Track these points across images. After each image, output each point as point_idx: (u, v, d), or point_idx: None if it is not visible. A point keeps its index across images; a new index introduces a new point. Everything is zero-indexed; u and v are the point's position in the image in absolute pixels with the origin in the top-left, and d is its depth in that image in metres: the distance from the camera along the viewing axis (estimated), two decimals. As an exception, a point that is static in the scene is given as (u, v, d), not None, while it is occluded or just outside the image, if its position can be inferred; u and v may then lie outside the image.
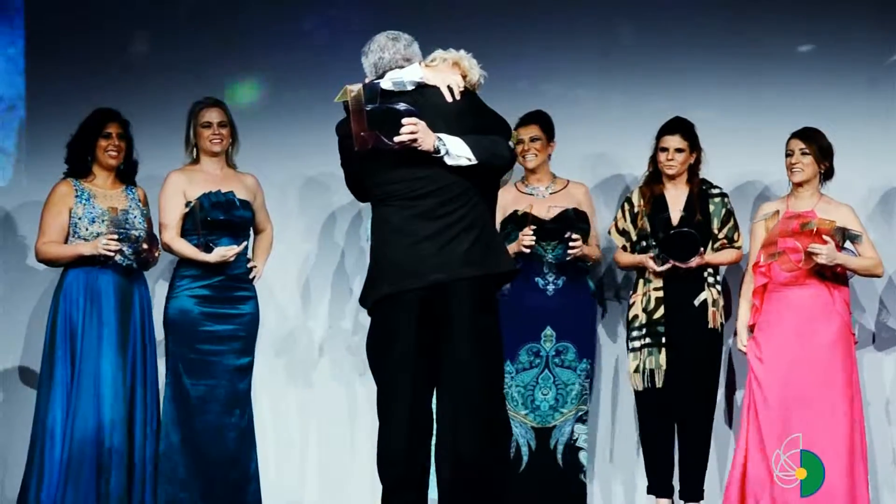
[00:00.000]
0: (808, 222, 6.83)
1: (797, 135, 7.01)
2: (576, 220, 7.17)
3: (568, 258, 7.08)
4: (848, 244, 6.87)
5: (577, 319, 7.16)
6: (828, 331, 6.84)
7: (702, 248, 7.01)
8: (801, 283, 6.87)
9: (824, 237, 6.78)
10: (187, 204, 6.98)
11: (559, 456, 7.08)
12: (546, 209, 7.20)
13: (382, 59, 5.56)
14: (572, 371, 7.12)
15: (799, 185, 6.99)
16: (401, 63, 5.56)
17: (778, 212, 6.99)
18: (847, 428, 6.79)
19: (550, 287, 7.16)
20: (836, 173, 7.03)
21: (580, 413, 7.11)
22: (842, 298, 6.89)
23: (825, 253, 6.75)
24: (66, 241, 6.95)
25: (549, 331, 7.15)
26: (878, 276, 7.09)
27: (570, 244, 7.06)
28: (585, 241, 7.17)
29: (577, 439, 7.10)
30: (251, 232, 7.21)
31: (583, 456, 7.10)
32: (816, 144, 6.96)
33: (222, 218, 6.98)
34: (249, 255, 7.18)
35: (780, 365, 6.85)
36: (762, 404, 6.86)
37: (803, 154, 6.96)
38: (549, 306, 7.14)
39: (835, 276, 6.89)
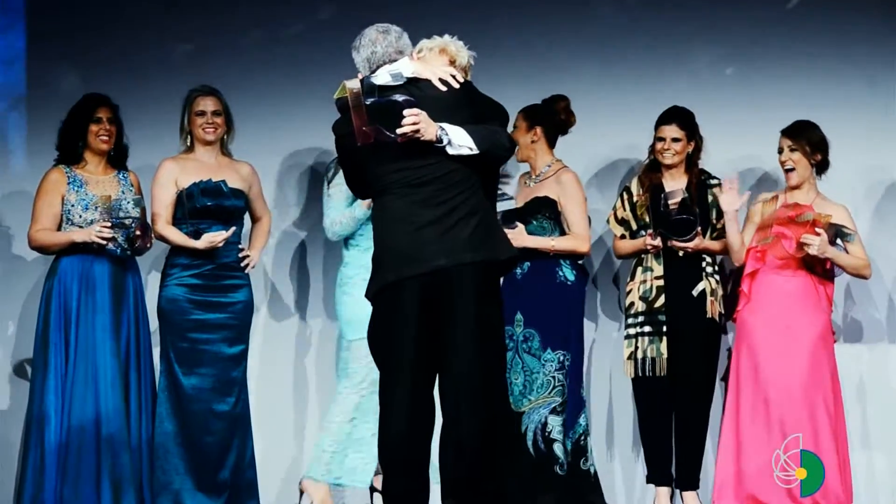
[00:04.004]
0: (804, 213, 6.87)
1: (785, 131, 7.00)
2: (531, 210, 7.09)
3: None
4: (838, 242, 6.89)
5: (543, 307, 7.07)
6: (813, 326, 6.87)
7: (699, 229, 7.02)
8: (791, 273, 6.90)
9: (817, 230, 6.80)
10: (178, 192, 7.03)
11: (529, 444, 7.03)
12: (526, 197, 7.18)
13: (375, 53, 5.57)
14: (536, 360, 7.05)
15: (795, 186, 6.98)
16: (393, 56, 5.56)
17: (777, 196, 7.03)
18: (833, 424, 6.83)
19: (518, 271, 7.11)
20: (835, 171, 7.02)
21: (553, 404, 7.02)
22: (826, 295, 6.92)
23: (817, 244, 6.76)
24: (59, 229, 6.97)
25: (518, 315, 7.10)
26: (866, 278, 7.08)
27: None
28: (556, 229, 7.11)
29: (550, 431, 7.03)
30: (245, 221, 7.21)
31: (558, 448, 7.01)
32: (805, 139, 6.94)
33: (210, 204, 6.99)
34: (244, 243, 7.20)
35: (766, 356, 6.87)
36: (745, 393, 6.90)
37: (792, 151, 6.95)
38: (517, 291, 7.09)
39: (824, 271, 6.91)
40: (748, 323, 6.96)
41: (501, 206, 6.90)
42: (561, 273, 7.11)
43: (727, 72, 7.69)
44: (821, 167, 7.02)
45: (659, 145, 7.17)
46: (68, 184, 6.99)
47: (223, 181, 7.05)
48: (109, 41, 7.88)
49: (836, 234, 6.84)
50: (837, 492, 6.79)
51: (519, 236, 6.95)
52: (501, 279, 6.99)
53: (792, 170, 6.97)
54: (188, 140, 7.15)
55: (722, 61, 7.69)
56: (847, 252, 6.91)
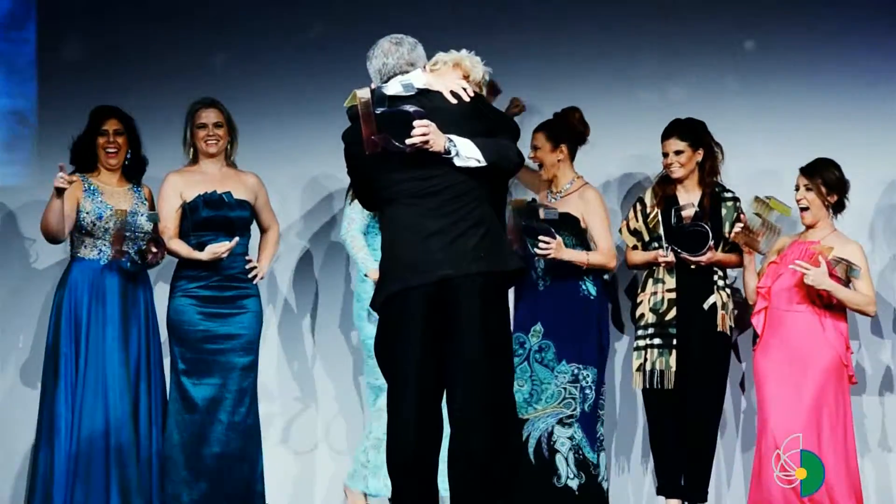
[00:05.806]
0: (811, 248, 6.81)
1: (803, 170, 6.94)
2: (560, 224, 7.07)
3: (536, 257, 7.00)
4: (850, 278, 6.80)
5: (563, 320, 7.07)
6: (818, 362, 6.79)
7: (712, 243, 7.02)
8: (795, 308, 6.84)
9: (819, 259, 6.72)
10: (183, 205, 7.05)
11: (531, 451, 7.03)
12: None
13: (386, 64, 5.60)
14: (549, 371, 7.05)
15: (809, 225, 6.95)
16: (405, 68, 5.60)
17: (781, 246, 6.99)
18: (837, 465, 6.78)
19: (541, 283, 7.13)
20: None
21: (560, 415, 7.02)
22: (836, 330, 6.81)
23: (812, 274, 6.70)
24: (71, 234, 6.97)
25: (538, 326, 7.11)
26: (869, 315, 6.99)
27: (540, 244, 6.96)
28: (579, 245, 7.10)
29: (555, 441, 7.03)
30: (251, 232, 7.20)
31: (559, 460, 7.00)
32: (821, 178, 6.87)
33: (212, 216, 7.01)
34: (252, 254, 7.19)
35: (771, 397, 6.83)
36: (763, 423, 6.90)
37: (808, 190, 6.90)
38: (539, 302, 7.12)
39: (826, 305, 6.82)
40: (759, 364, 6.92)
41: (547, 217, 6.99)
42: (584, 287, 7.11)
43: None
44: (837, 207, 6.95)
45: (664, 161, 7.17)
46: (84, 191, 7.00)
47: (228, 192, 7.06)
48: (120, 55, 7.91)
49: (844, 269, 6.73)
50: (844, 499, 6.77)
51: (559, 249, 6.96)
52: (520, 289, 7.08)
53: (806, 209, 6.93)
54: (192, 153, 7.16)
55: (724, 64, 7.71)
56: (855, 288, 6.79)
